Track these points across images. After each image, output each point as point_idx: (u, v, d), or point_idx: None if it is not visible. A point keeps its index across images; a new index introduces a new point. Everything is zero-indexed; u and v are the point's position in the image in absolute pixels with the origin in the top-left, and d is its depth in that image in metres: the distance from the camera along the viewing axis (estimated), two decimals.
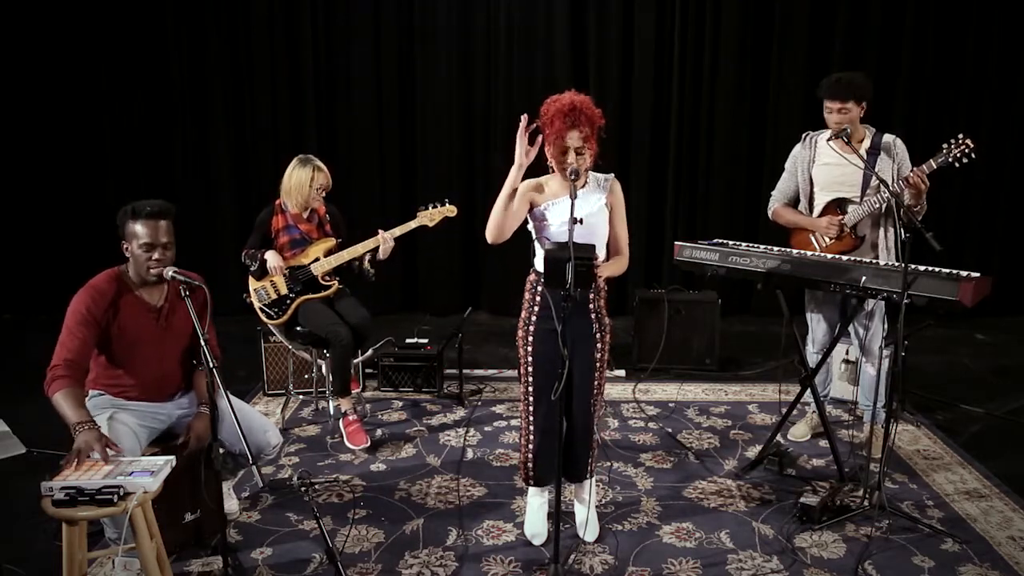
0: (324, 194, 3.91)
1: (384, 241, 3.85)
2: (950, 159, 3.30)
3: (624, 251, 2.91)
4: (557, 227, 2.75)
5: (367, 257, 3.94)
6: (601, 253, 2.80)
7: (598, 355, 2.86)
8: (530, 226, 2.86)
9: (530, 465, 2.96)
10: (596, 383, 2.88)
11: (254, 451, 2.74)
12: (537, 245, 2.85)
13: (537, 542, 2.97)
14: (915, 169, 3.34)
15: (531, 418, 2.91)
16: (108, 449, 2.41)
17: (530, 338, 2.86)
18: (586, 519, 2.98)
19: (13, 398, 4.08)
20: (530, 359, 2.86)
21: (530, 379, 2.88)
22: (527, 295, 2.88)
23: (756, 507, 3.25)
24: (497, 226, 2.74)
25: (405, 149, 6.30)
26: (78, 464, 2.34)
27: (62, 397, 2.49)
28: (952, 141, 3.30)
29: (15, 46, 5.96)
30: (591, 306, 2.84)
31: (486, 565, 2.84)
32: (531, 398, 2.89)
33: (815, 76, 3.71)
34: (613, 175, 2.89)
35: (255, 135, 6.19)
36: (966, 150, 3.27)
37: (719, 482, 3.47)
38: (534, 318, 2.85)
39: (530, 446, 2.93)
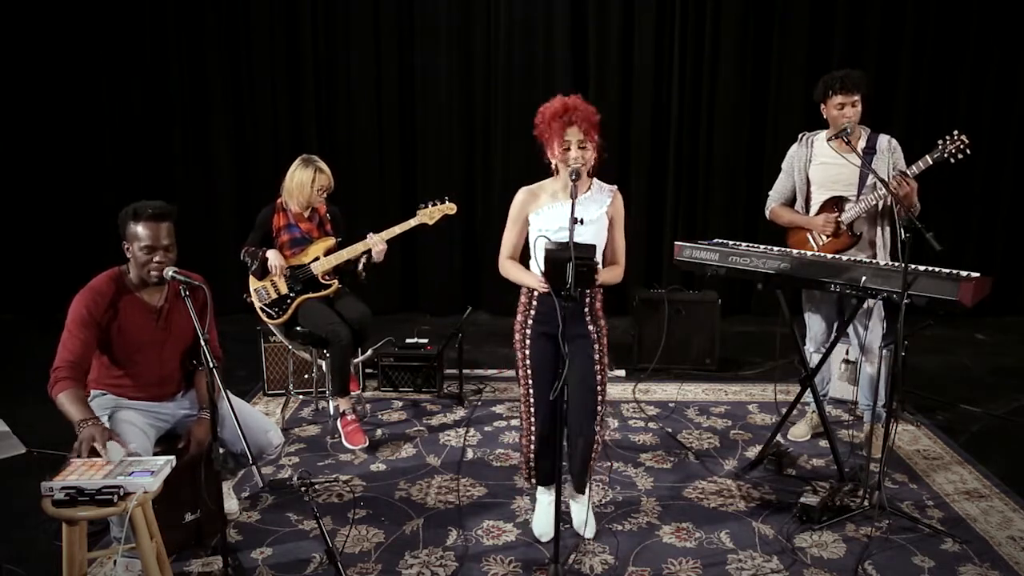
0: (325, 195, 3.91)
1: (375, 244, 3.84)
2: (945, 155, 3.29)
3: (621, 261, 2.91)
4: (554, 230, 2.75)
5: (362, 261, 3.93)
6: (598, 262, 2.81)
7: (596, 356, 2.85)
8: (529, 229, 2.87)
9: (532, 465, 2.97)
10: (599, 387, 2.85)
11: (255, 451, 2.74)
12: (533, 247, 2.84)
13: (545, 540, 2.96)
14: (895, 174, 3.34)
15: (532, 419, 2.91)
16: (114, 442, 2.41)
17: (528, 341, 2.85)
18: (585, 519, 2.97)
19: (13, 398, 4.08)
20: (528, 362, 2.86)
21: (530, 383, 2.87)
22: (523, 298, 2.88)
23: (756, 507, 3.25)
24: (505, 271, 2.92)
25: (405, 148, 6.29)
26: (82, 458, 2.34)
27: (66, 398, 2.51)
28: (947, 137, 3.29)
29: (15, 47, 5.96)
30: (585, 309, 2.83)
31: (486, 565, 2.84)
32: (531, 400, 2.89)
33: (815, 76, 3.69)
34: (616, 187, 2.90)
35: (255, 135, 6.20)
36: (961, 146, 3.26)
37: (719, 482, 3.47)
38: (531, 322, 2.84)
39: (532, 446, 2.94)
